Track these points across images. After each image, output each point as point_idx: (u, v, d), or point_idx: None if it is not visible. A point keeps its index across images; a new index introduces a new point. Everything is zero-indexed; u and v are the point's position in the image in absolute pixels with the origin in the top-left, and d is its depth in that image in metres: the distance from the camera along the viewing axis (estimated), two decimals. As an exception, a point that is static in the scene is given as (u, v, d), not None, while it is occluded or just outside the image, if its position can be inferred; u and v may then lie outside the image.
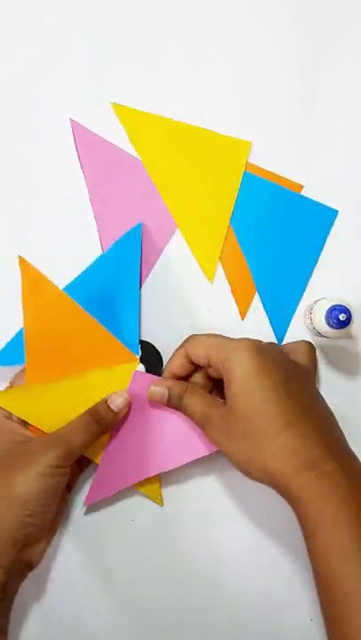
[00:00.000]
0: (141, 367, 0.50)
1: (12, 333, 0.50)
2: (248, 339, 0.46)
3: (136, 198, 0.53)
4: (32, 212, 0.53)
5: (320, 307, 0.47)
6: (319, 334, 0.49)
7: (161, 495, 0.50)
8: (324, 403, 0.47)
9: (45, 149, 0.53)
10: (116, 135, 0.53)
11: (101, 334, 0.49)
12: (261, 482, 0.43)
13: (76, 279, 0.51)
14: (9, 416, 0.49)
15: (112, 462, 0.49)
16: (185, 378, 0.49)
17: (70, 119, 0.53)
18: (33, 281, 0.49)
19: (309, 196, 0.53)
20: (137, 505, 0.51)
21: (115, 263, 0.51)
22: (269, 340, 0.50)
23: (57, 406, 0.48)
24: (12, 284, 0.50)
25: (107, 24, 0.54)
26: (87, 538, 0.51)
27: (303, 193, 0.53)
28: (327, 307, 0.46)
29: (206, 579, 0.51)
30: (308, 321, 0.50)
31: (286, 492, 0.42)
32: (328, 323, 0.46)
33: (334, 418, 0.46)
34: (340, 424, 0.46)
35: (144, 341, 0.51)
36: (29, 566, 0.46)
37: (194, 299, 0.53)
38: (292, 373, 0.45)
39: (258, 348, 0.45)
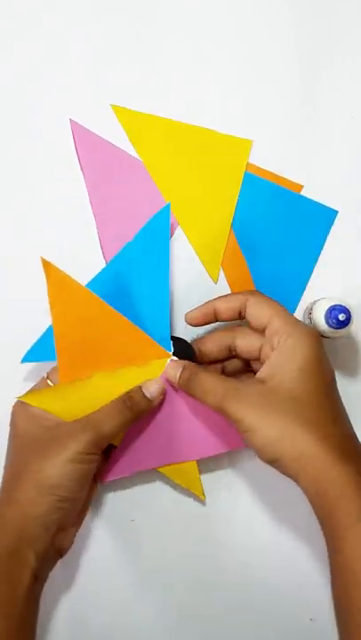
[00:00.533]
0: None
1: (32, 330, 0.49)
2: (312, 328, 0.45)
3: (136, 198, 0.53)
4: (32, 212, 0.53)
5: (320, 307, 0.47)
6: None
7: (202, 488, 0.50)
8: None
9: (45, 150, 0.53)
10: (116, 136, 0.53)
11: (131, 331, 0.48)
12: (283, 465, 0.41)
13: (102, 271, 0.50)
14: None
15: (133, 442, 0.49)
16: (214, 321, 0.48)
17: (70, 119, 0.53)
18: (58, 282, 0.47)
19: (309, 196, 0.53)
20: (137, 505, 0.51)
21: (142, 251, 0.50)
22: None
23: (90, 403, 0.47)
24: (13, 284, 0.51)
25: (106, 24, 0.54)
26: (90, 538, 0.51)
27: (303, 193, 0.53)
28: (327, 307, 0.46)
29: (206, 579, 0.51)
30: (308, 321, 0.50)
31: (316, 482, 0.40)
32: (328, 322, 0.46)
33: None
34: None
35: (176, 337, 0.50)
36: (60, 552, 0.46)
37: (197, 298, 0.51)
38: (334, 377, 0.45)
39: (320, 340, 0.44)
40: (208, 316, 0.48)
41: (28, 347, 0.49)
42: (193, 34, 0.54)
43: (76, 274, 0.50)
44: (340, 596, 0.40)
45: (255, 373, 0.45)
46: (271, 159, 0.53)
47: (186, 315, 0.48)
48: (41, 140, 0.53)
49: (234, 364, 0.50)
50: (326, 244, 0.53)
